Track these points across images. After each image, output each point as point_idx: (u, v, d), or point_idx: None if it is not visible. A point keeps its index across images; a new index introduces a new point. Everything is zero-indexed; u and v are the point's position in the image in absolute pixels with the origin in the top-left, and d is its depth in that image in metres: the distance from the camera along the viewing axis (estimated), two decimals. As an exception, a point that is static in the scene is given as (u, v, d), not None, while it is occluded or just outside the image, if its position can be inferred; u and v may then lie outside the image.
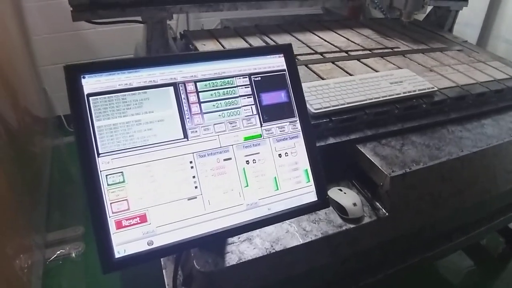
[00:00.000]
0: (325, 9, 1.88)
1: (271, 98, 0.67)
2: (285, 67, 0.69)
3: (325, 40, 1.31)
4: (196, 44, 1.21)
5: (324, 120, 0.86)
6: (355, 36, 1.38)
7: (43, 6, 1.77)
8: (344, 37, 1.36)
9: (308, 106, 0.86)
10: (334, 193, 0.83)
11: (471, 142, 0.94)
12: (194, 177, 0.61)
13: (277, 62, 0.69)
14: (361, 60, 1.17)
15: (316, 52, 1.20)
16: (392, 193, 0.81)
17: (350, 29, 1.45)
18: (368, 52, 1.23)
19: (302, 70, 1.08)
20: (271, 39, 1.29)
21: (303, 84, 0.93)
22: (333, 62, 1.14)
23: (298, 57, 1.16)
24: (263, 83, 0.67)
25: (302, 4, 1.31)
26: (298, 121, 0.68)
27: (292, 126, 0.68)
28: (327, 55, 1.19)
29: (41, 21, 1.79)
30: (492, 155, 0.96)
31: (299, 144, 0.68)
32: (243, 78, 0.66)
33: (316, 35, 1.36)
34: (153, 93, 0.61)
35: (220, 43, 1.23)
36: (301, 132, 0.68)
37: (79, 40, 1.92)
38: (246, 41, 1.26)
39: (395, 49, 1.28)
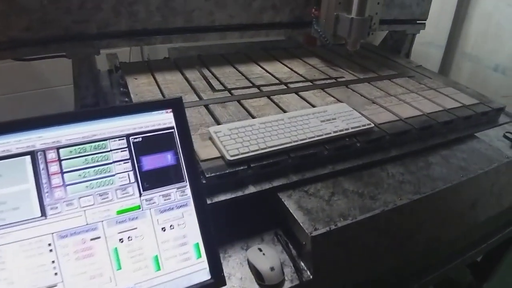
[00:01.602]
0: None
1: (154, 161, 0.57)
2: (173, 124, 0.59)
3: (267, 71, 1.22)
4: (127, 79, 1.11)
5: (242, 168, 0.76)
6: (300, 66, 1.29)
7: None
8: (288, 68, 1.26)
9: (224, 152, 0.76)
10: (252, 254, 0.73)
11: (413, 187, 0.84)
12: (53, 262, 0.51)
13: (163, 119, 0.58)
14: (300, 93, 1.08)
15: (253, 85, 1.10)
16: (315, 254, 0.71)
17: (298, 58, 1.36)
18: (309, 83, 1.14)
19: (233, 107, 0.98)
20: (210, 71, 1.20)
21: (226, 125, 0.84)
22: (268, 97, 1.04)
23: (233, 91, 1.06)
24: (145, 145, 0.57)
25: (242, 36, 1.22)
26: (187, 187, 0.58)
27: (180, 193, 0.57)
28: (264, 89, 1.09)
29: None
30: (438, 201, 0.86)
31: (189, 214, 0.57)
32: (119, 140, 0.56)
33: (260, 65, 1.27)
34: (5, 164, 0.51)
35: (154, 77, 1.13)
36: (191, 199, 0.58)
37: (28, 69, 1.81)
38: (183, 74, 1.16)
39: (339, 79, 1.19)
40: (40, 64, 1.81)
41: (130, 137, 0.56)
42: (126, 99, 1.03)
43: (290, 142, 0.81)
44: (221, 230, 0.71)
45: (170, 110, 0.59)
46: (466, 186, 0.90)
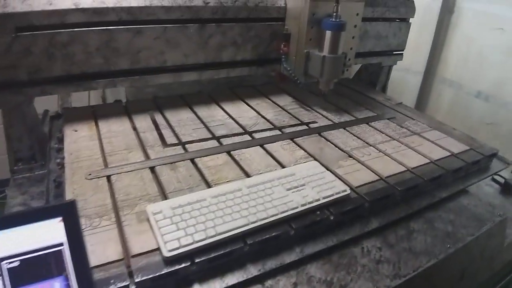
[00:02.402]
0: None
1: (34, 296, 0.39)
2: (64, 238, 0.41)
3: (231, 116, 1.05)
4: (65, 131, 0.93)
5: (183, 265, 0.58)
6: (269, 107, 1.13)
7: None
8: (255, 110, 1.10)
9: (161, 244, 0.59)
10: None
11: (392, 268, 0.68)
12: None
13: (50, 231, 0.41)
14: (266, 145, 0.91)
15: (213, 137, 0.93)
16: None
17: (267, 97, 1.20)
18: (277, 132, 0.98)
19: (184, 169, 0.80)
20: (165, 118, 1.03)
21: (169, 202, 0.67)
22: (228, 152, 0.87)
23: (188, 145, 0.89)
24: (23, 271, 0.39)
25: (200, 76, 1.05)
26: (83, 330, 0.40)
27: None
28: (225, 141, 0.92)
29: None
30: (421, 281, 0.70)
31: None
32: (-17, 270, 0.38)
33: (223, 109, 1.10)
34: None
35: (97, 127, 0.96)
36: None
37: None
38: (133, 123, 0.99)
39: (312, 125, 1.03)
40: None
41: (4, 262, 0.38)
42: (58, 160, 0.84)
43: (248, 224, 0.64)
44: None
45: (60, 218, 0.41)
46: (454, 258, 0.75)
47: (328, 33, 0.97)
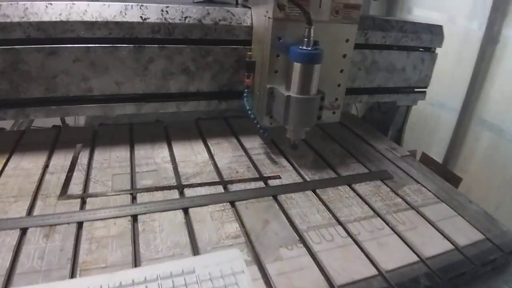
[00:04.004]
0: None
1: None
2: None
3: (173, 160, 0.80)
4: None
5: None
6: (229, 150, 0.86)
7: None
8: (210, 153, 0.84)
9: None
10: None
11: None
12: None
13: None
14: (192, 209, 0.65)
15: (130, 189, 0.69)
16: None
17: (234, 136, 0.94)
18: (220, 189, 0.71)
19: (60, 237, 0.56)
20: (92, 153, 0.80)
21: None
22: (135, 217, 0.62)
23: (89, 200, 0.65)
24: None
25: (139, 109, 0.81)
26: None
27: None
28: (143, 197, 0.67)
29: None
30: None
31: None
32: None
33: (170, 147, 0.85)
34: None
35: (8, 160, 0.75)
36: None
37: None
38: (49, 159, 0.77)
39: (272, 181, 0.75)
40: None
41: None
42: None
43: None
44: None
45: None
46: None
47: (297, 66, 0.68)
